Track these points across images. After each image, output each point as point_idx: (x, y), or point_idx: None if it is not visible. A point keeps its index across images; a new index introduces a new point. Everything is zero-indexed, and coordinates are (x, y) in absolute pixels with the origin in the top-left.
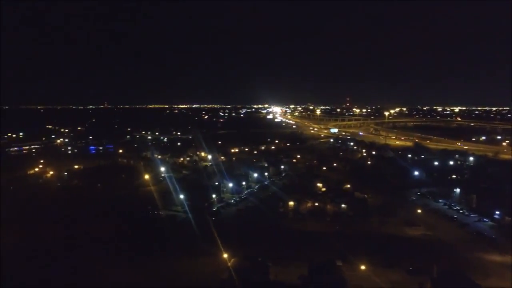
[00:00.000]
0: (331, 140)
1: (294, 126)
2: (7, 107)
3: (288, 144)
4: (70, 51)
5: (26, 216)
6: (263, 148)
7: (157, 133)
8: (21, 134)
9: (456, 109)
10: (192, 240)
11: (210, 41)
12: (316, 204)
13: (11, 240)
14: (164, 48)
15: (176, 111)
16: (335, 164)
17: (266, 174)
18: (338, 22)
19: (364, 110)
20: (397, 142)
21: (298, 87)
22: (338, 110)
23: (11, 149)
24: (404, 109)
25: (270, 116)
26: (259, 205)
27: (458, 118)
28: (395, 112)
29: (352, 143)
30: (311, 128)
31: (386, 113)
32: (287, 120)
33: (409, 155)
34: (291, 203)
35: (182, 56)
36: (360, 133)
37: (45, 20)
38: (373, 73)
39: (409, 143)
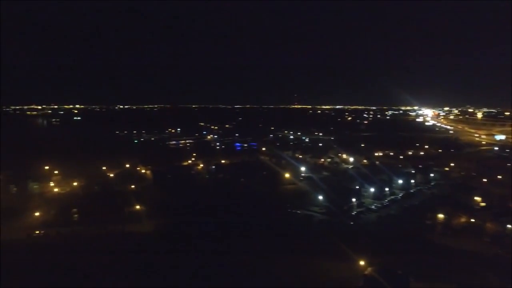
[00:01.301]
0: (495, 148)
1: (451, 131)
2: (168, 105)
3: (440, 151)
4: (223, 51)
5: (177, 201)
6: (410, 153)
7: (299, 133)
8: (178, 129)
9: None
10: (327, 242)
11: (360, 40)
12: (472, 220)
13: (161, 222)
14: (311, 49)
15: (319, 111)
16: (499, 177)
17: (412, 181)
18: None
19: None
20: None
21: (453, 87)
22: (507, 113)
23: (170, 142)
24: None
25: (419, 119)
26: (403, 214)
27: None
28: None
29: None
30: (469, 133)
31: None
32: (439, 124)
33: None
34: (441, 215)
35: (328, 55)
36: None
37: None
38: None
39: None
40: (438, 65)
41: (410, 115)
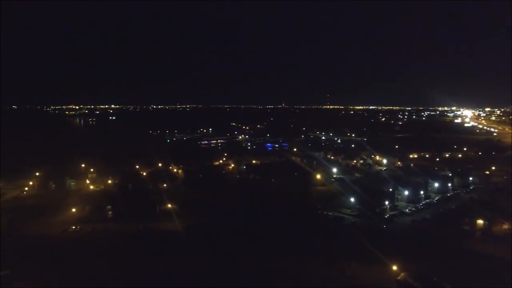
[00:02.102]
0: None
1: (492, 133)
2: (200, 106)
3: (480, 153)
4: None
5: (208, 201)
6: (447, 155)
7: (331, 134)
8: (210, 129)
9: None
10: (359, 245)
11: (395, 38)
12: None
13: (193, 221)
14: (345, 48)
15: (352, 112)
16: None
17: (449, 184)
18: None
19: None
20: None
21: (496, 87)
22: None
23: (202, 142)
24: None
25: (458, 120)
26: (439, 219)
27: None
28: None
29: None
30: None
31: None
32: (480, 125)
33: None
34: (480, 221)
35: (362, 55)
36: None
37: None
38: None
39: None
40: (479, 64)
41: (447, 116)
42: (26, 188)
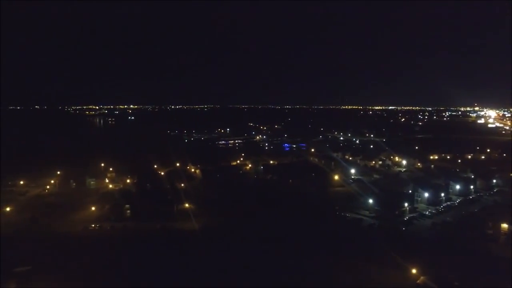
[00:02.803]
0: None
1: None
2: (218, 106)
3: (504, 155)
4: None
5: (225, 201)
6: (469, 157)
7: (349, 134)
8: (227, 129)
9: None
10: (377, 247)
11: (416, 36)
12: None
13: (210, 220)
14: (363, 46)
15: (370, 112)
16: None
17: (471, 187)
18: None
19: None
20: None
21: None
22: None
23: (219, 142)
24: None
25: (481, 121)
26: (460, 222)
27: None
28: None
29: None
30: None
31: None
32: (505, 126)
33: None
34: (505, 225)
35: (381, 53)
36: None
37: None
38: None
39: None
40: (505, 62)
41: (470, 116)
42: (48, 187)
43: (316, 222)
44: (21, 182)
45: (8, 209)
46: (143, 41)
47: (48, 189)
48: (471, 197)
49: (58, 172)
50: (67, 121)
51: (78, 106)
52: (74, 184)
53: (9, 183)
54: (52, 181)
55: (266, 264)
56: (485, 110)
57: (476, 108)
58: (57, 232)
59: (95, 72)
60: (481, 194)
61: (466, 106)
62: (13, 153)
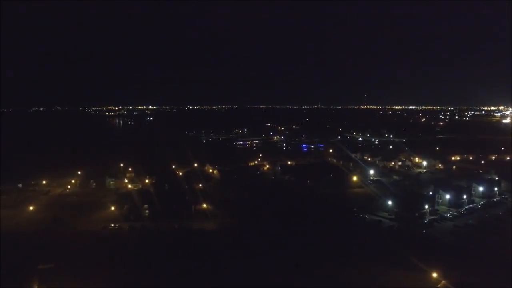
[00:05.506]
0: None
1: None
2: (235, 106)
3: None
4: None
5: (243, 202)
6: (493, 158)
7: (368, 135)
8: (245, 130)
9: None
10: (396, 250)
11: (438, 32)
12: None
13: (227, 221)
14: (382, 44)
15: (390, 112)
16: None
17: (495, 189)
18: None
19: None
20: None
21: None
22: None
23: (237, 142)
24: None
25: (506, 121)
26: (483, 225)
27: None
28: None
29: None
30: None
31: None
32: None
33: None
34: None
35: (401, 51)
36: None
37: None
38: None
39: None
40: None
41: (494, 116)
42: (69, 186)
43: (334, 223)
44: (44, 182)
45: (31, 208)
46: (164, 42)
47: (69, 189)
48: (495, 200)
49: (79, 172)
50: (88, 122)
51: (98, 107)
52: (94, 184)
53: (32, 182)
54: (73, 181)
55: (284, 265)
56: (510, 109)
57: (501, 108)
58: (78, 231)
59: (115, 73)
60: (506, 196)
61: (490, 106)
62: (36, 153)
